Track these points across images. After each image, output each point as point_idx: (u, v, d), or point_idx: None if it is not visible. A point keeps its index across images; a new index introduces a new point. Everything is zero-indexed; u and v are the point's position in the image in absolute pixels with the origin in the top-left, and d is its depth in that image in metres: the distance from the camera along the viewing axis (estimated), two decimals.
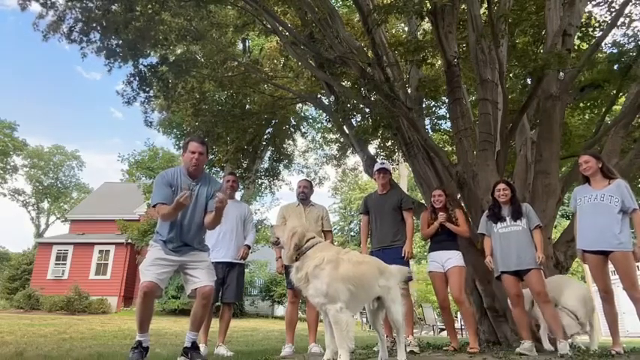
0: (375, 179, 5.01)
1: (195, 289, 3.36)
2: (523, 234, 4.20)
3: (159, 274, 3.25)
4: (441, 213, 4.62)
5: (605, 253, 3.91)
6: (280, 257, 4.62)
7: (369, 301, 3.10)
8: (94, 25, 7.19)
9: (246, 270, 18.23)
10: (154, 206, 3.36)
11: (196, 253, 3.45)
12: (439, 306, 4.77)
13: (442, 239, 4.62)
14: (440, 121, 11.07)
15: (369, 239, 4.86)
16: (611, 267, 3.98)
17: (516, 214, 4.27)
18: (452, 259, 4.49)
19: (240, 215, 4.74)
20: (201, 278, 3.35)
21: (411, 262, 4.87)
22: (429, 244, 4.84)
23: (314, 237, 3.05)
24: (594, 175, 4.12)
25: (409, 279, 4.48)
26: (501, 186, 4.43)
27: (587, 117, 9.38)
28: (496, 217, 4.37)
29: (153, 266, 3.26)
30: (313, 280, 2.80)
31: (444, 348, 4.57)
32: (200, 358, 3.34)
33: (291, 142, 16.38)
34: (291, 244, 2.93)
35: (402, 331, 3.13)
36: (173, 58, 9.05)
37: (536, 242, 4.17)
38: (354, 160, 19.04)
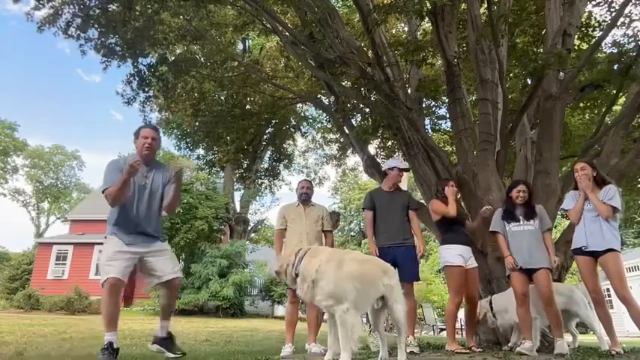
0: (389, 175, 4.80)
1: (162, 282, 3.37)
2: (535, 234, 4.21)
3: (122, 269, 3.22)
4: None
5: (594, 255, 3.94)
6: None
7: (375, 300, 3.08)
8: (92, 22, 7.18)
9: (246, 270, 18.25)
10: (103, 191, 3.32)
11: (155, 242, 3.43)
12: (467, 301, 4.44)
13: (463, 231, 4.50)
14: (440, 121, 11.09)
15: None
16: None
17: (530, 215, 4.27)
18: (473, 258, 4.43)
19: None
20: (167, 270, 3.37)
21: None
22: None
23: (301, 249, 3.04)
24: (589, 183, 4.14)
25: (416, 279, 4.47)
26: (521, 187, 4.39)
27: (587, 117, 9.39)
28: (511, 216, 4.35)
29: (115, 261, 3.23)
30: (319, 283, 2.77)
31: (449, 349, 4.33)
32: (175, 349, 3.38)
33: (291, 142, 16.40)
34: (287, 272, 2.93)
35: (404, 331, 3.12)
36: (172, 57, 9.05)
37: (547, 244, 4.19)
38: (354, 160, 19.10)
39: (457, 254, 4.34)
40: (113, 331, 3.20)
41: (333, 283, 2.74)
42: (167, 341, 3.39)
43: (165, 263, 3.39)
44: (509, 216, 4.37)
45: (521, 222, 4.28)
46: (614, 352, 3.86)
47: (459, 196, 5.91)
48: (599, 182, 4.11)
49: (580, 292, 5.00)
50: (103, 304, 3.23)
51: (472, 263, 4.40)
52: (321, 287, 2.77)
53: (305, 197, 4.82)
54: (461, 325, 11.28)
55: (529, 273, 4.15)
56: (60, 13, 7.11)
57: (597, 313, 4.18)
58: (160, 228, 3.56)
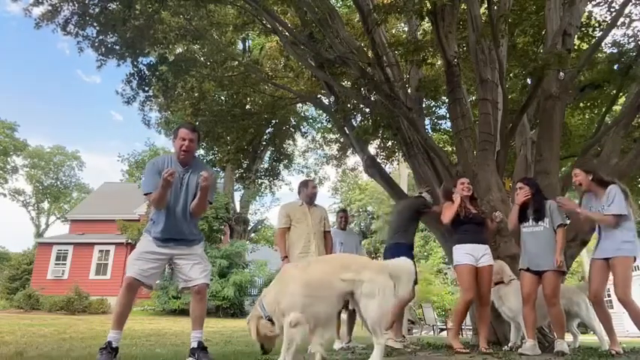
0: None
1: (188, 287, 3.35)
2: (544, 234, 4.15)
3: (144, 270, 3.22)
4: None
5: (606, 259, 3.95)
6: (287, 257, 4.59)
7: (338, 297, 2.94)
8: (91, 20, 7.18)
9: (246, 270, 18.25)
10: (145, 194, 3.34)
11: (188, 244, 3.39)
12: (478, 299, 4.35)
13: (476, 230, 4.40)
14: (440, 121, 11.10)
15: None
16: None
17: (538, 215, 4.20)
18: (487, 255, 4.35)
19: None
20: (193, 276, 3.32)
21: None
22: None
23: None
24: (589, 188, 4.14)
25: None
26: (518, 185, 4.39)
27: (587, 117, 9.39)
28: (521, 217, 4.32)
29: (139, 260, 3.24)
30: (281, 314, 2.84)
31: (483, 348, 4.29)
32: (207, 358, 3.30)
33: (291, 142, 16.37)
34: (258, 333, 2.99)
35: (378, 331, 2.87)
36: (172, 57, 9.05)
37: (557, 242, 4.08)
38: (354, 160, 19.07)
39: (465, 253, 4.33)
40: (118, 330, 3.20)
41: (281, 300, 2.83)
42: (197, 352, 3.29)
43: (194, 268, 3.34)
44: (520, 217, 4.35)
45: (531, 222, 4.24)
46: (613, 352, 3.86)
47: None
48: (600, 184, 4.07)
49: (580, 293, 5.00)
50: (116, 301, 3.29)
51: (485, 261, 4.34)
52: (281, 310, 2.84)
53: (314, 198, 4.83)
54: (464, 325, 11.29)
55: (539, 274, 4.13)
56: (58, 9, 7.11)
57: (597, 313, 4.17)
58: (196, 228, 3.51)
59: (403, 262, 3.17)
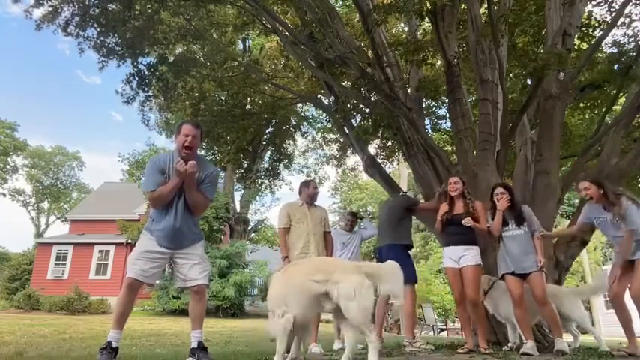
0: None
1: (187, 287, 3.35)
2: (524, 238, 4.25)
3: (144, 270, 3.21)
4: (467, 218, 4.38)
5: (632, 261, 4.01)
6: (287, 257, 4.58)
7: (311, 300, 3.01)
8: (91, 21, 7.19)
9: (246, 270, 18.24)
10: (150, 191, 3.27)
11: (188, 243, 3.38)
12: (455, 301, 4.53)
13: (457, 231, 4.42)
14: (440, 121, 11.10)
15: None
16: None
17: (519, 220, 4.28)
18: (466, 256, 4.36)
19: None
20: (191, 276, 3.31)
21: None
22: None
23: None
24: (599, 201, 4.16)
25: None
26: (498, 190, 4.40)
27: (587, 117, 9.39)
28: (502, 221, 4.33)
29: (140, 260, 3.22)
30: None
31: (459, 350, 4.33)
32: (207, 358, 3.29)
33: (291, 142, 16.39)
34: None
35: (366, 330, 2.87)
36: (172, 57, 9.06)
37: (537, 246, 4.22)
38: (354, 160, 19.06)
39: (447, 256, 4.51)
40: (118, 329, 3.19)
41: (269, 302, 3.13)
42: (197, 352, 3.28)
43: (193, 268, 3.32)
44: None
45: (511, 227, 4.30)
46: (623, 353, 3.89)
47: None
48: (611, 198, 4.10)
49: (571, 295, 4.99)
50: (117, 301, 3.29)
51: (465, 262, 4.35)
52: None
53: (315, 198, 4.83)
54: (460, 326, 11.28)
55: (522, 276, 4.19)
56: (59, 11, 7.12)
57: (617, 314, 4.18)
58: (196, 227, 3.49)
59: (384, 265, 3.18)
